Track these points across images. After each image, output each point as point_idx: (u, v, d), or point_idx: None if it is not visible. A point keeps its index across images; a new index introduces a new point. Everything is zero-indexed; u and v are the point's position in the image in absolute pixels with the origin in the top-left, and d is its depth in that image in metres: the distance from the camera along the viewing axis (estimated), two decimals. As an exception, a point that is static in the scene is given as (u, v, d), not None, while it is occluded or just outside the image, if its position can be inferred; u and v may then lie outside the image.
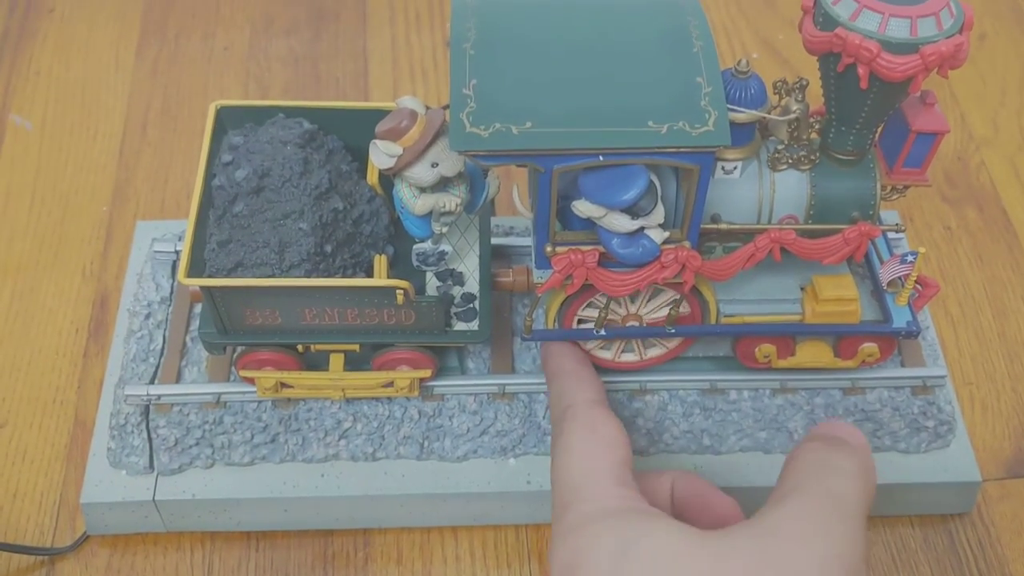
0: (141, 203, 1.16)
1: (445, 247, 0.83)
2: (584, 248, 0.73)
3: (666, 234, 0.72)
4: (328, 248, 0.77)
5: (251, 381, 0.85)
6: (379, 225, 0.82)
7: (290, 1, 1.38)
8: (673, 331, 0.81)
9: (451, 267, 0.85)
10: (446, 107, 0.76)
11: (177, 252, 0.98)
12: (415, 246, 0.83)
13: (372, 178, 0.83)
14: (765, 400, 0.91)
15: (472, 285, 0.84)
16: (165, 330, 0.93)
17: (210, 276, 0.75)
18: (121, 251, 1.12)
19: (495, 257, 0.93)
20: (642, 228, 0.71)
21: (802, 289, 0.83)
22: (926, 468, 0.90)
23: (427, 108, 0.76)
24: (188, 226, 0.75)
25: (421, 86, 1.28)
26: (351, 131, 0.84)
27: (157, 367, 0.91)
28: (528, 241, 0.97)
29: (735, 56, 1.31)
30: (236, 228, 0.76)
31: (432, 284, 0.85)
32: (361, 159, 0.84)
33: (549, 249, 0.73)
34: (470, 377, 0.90)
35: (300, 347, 0.83)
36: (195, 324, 0.94)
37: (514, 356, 0.93)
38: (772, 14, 1.37)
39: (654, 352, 0.87)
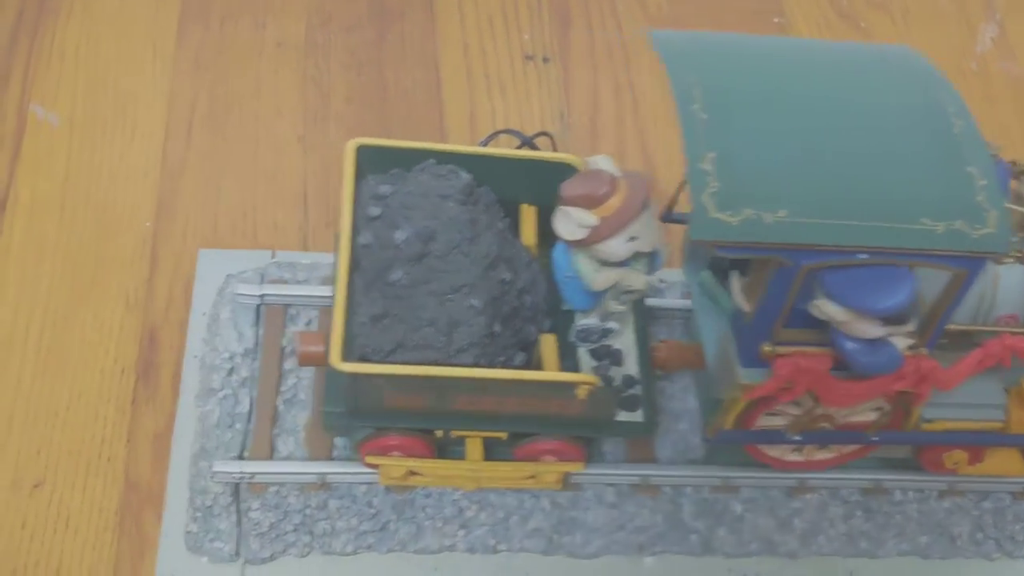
0: (191, 221, 1.01)
1: (612, 324, 0.71)
2: (812, 351, 0.63)
3: (910, 341, 0.62)
4: (497, 327, 0.65)
5: (375, 467, 0.72)
6: (538, 295, 0.70)
7: (347, -7, 1.24)
8: (876, 439, 0.71)
9: (607, 343, 0.74)
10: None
11: (263, 296, 0.84)
12: (580, 321, 0.71)
13: (528, 238, 0.71)
14: (931, 503, 0.82)
15: (631, 366, 0.73)
16: (252, 391, 0.80)
17: (365, 359, 0.62)
18: (169, 276, 0.97)
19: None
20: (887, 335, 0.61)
21: (1006, 391, 0.74)
22: (1089, 579, 0.82)
23: (622, 172, 0.65)
24: (337, 295, 0.62)
25: (500, 103, 1.16)
26: (503, 182, 0.72)
27: (245, 436, 0.78)
28: (676, 302, 0.86)
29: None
30: (391, 299, 0.63)
31: (585, 362, 0.73)
32: (512, 214, 0.72)
33: (768, 349, 0.63)
34: (611, 465, 0.79)
35: (440, 432, 0.71)
36: (287, 383, 0.81)
37: (654, 442, 0.82)
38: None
39: (824, 455, 0.78)
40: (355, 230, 0.66)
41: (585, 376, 0.64)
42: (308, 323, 0.84)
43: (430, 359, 0.63)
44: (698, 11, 1.28)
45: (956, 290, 0.60)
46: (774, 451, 0.76)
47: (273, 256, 0.92)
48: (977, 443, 0.74)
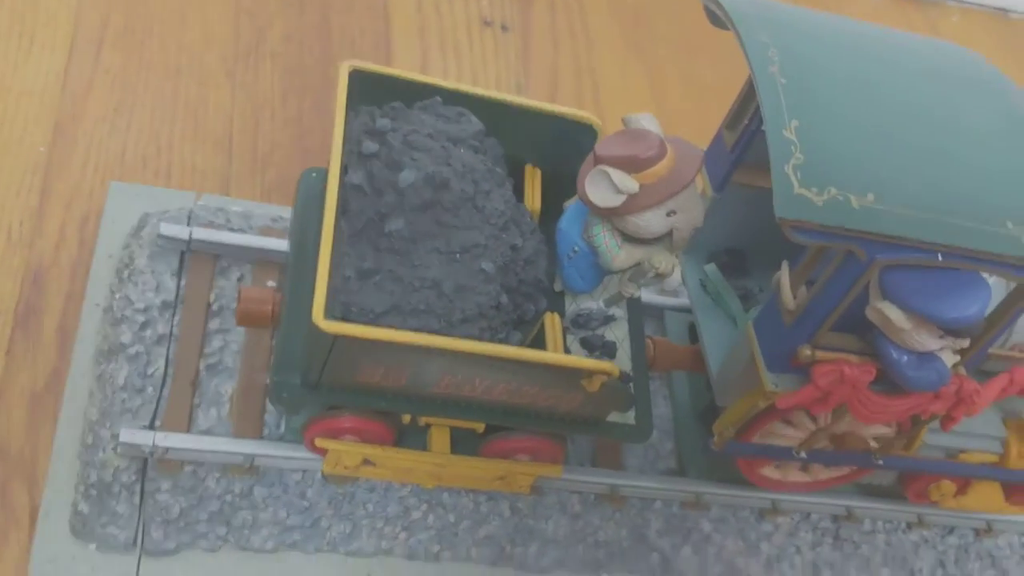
0: (93, 150, 0.87)
1: (617, 311, 0.63)
2: (855, 360, 0.56)
3: (956, 359, 0.57)
4: (504, 299, 0.55)
5: (321, 451, 0.61)
6: (539, 269, 0.61)
7: (288, -79, 1.11)
8: (881, 462, 0.66)
9: (601, 333, 0.65)
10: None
11: (190, 241, 0.71)
12: (581, 305, 0.62)
13: (533, 203, 0.62)
14: (899, 534, 0.78)
15: (624, 360, 0.65)
16: (169, 350, 0.67)
17: (349, 319, 0.51)
18: (63, 211, 0.82)
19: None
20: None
21: (1004, 423, 0.70)
22: (1036, 624, 0.80)
23: (667, 136, 0.57)
24: (323, 241, 0.51)
25: (453, 65, 1.06)
26: (511, 135, 0.62)
27: (158, 403, 0.65)
28: (660, 298, 0.78)
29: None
30: (386, 253, 0.53)
31: (575, 351, 0.64)
32: (517, 175, 0.63)
33: (808, 353, 0.56)
34: (580, 471, 0.70)
35: (407, 417, 0.61)
36: (212, 345, 0.68)
37: (622, 448, 0.74)
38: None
39: (802, 477, 0.71)
40: (343, 168, 0.55)
41: (610, 366, 0.55)
42: (240, 278, 0.72)
43: (428, 327, 0.52)
44: (663, 4, 1.22)
45: (1014, 306, 0.55)
46: (767, 470, 0.69)
47: (199, 198, 0.79)
48: (985, 476, 0.70)
